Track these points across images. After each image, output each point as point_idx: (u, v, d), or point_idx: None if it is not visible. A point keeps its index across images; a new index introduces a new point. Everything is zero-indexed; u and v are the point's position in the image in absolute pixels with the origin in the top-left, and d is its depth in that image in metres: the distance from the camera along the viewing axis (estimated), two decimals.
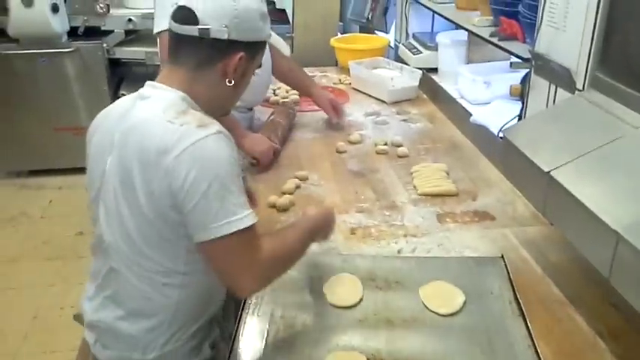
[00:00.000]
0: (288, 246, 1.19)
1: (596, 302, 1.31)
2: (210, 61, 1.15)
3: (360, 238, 1.59)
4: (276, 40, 2.40)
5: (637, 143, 1.22)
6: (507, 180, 1.74)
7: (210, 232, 1.03)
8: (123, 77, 4.03)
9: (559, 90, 1.59)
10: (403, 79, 2.62)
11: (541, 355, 1.12)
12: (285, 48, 2.60)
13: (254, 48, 1.19)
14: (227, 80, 1.16)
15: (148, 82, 1.18)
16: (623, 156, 1.22)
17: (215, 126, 1.09)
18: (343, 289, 1.33)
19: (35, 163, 3.92)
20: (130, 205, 1.10)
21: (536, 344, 1.15)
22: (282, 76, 2.29)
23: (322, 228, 1.33)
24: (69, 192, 3.76)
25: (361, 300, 1.30)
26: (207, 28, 1.11)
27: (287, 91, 2.56)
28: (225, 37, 1.12)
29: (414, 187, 1.85)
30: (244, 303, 1.28)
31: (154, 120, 1.08)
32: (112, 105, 1.25)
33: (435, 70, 2.68)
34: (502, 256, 1.43)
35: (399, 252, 1.52)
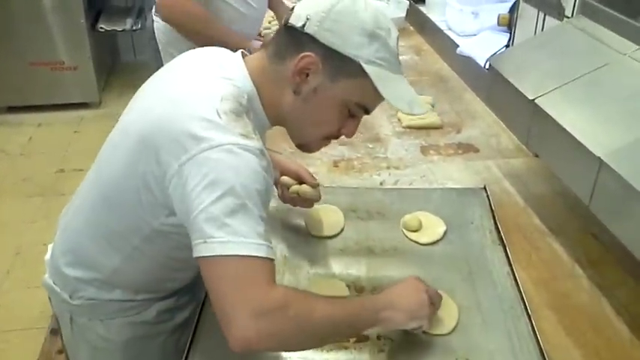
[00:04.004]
0: (316, 309, 0.88)
1: (577, 232, 1.32)
2: (281, 53, 0.97)
3: (343, 171, 1.57)
4: None
5: (623, 70, 1.20)
6: (492, 111, 1.72)
7: (208, 248, 0.84)
8: (101, 10, 3.88)
9: (547, 18, 1.55)
10: (390, 10, 2.55)
11: (519, 281, 1.12)
12: None
13: (335, 62, 0.94)
14: (292, 87, 0.97)
15: (241, 51, 1.03)
16: (609, 83, 1.20)
17: (258, 143, 0.90)
18: (324, 220, 1.31)
19: (12, 99, 3.82)
20: (128, 164, 0.96)
21: (515, 271, 1.15)
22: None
23: (400, 312, 0.96)
24: (48, 129, 3.69)
25: (342, 230, 1.30)
26: (290, 15, 0.97)
27: (269, 22, 2.48)
28: (300, 24, 0.94)
29: (399, 119, 1.82)
30: None
31: (207, 102, 0.90)
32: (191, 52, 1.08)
33: (422, 0, 2.60)
34: (484, 187, 1.42)
35: (381, 184, 1.51)
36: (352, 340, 1.01)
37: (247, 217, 0.85)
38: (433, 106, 1.88)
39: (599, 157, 1.01)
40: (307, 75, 0.95)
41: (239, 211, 0.84)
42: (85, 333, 1.14)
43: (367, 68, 0.94)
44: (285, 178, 1.25)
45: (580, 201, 1.11)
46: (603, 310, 1.11)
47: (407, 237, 1.27)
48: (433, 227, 1.29)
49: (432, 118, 1.79)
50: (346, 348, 1.00)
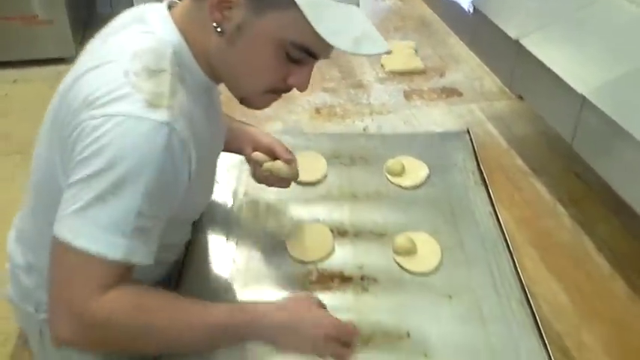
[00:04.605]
0: (157, 326, 0.79)
1: (559, 172, 1.32)
2: None
3: (325, 117, 1.55)
4: None
5: (608, 8, 1.18)
6: (476, 55, 1.70)
7: (59, 227, 0.74)
8: None
9: None
10: None
11: (502, 220, 1.13)
12: None
13: None
14: (214, 23, 0.80)
15: (167, 1, 0.88)
16: (594, 22, 1.18)
17: (166, 113, 0.74)
18: (306, 166, 1.30)
19: None
20: (49, 145, 0.86)
21: (497, 210, 1.16)
22: None
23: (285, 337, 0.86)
24: (25, 85, 3.60)
25: (325, 176, 1.29)
26: None
27: None
28: None
29: (382, 65, 1.79)
30: None
31: (116, 63, 0.78)
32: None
33: None
34: (467, 130, 1.42)
35: (364, 130, 1.50)
36: (336, 280, 1.01)
37: (117, 207, 0.73)
38: (416, 51, 1.85)
39: (582, 95, 1.01)
40: (229, 8, 0.78)
41: (109, 199, 0.72)
42: (59, 349, 0.95)
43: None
44: (257, 154, 1.09)
45: (563, 141, 1.11)
46: (585, 247, 1.13)
47: (390, 181, 1.27)
48: (416, 171, 1.28)
49: (415, 63, 1.77)
50: (330, 289, 1.00)
